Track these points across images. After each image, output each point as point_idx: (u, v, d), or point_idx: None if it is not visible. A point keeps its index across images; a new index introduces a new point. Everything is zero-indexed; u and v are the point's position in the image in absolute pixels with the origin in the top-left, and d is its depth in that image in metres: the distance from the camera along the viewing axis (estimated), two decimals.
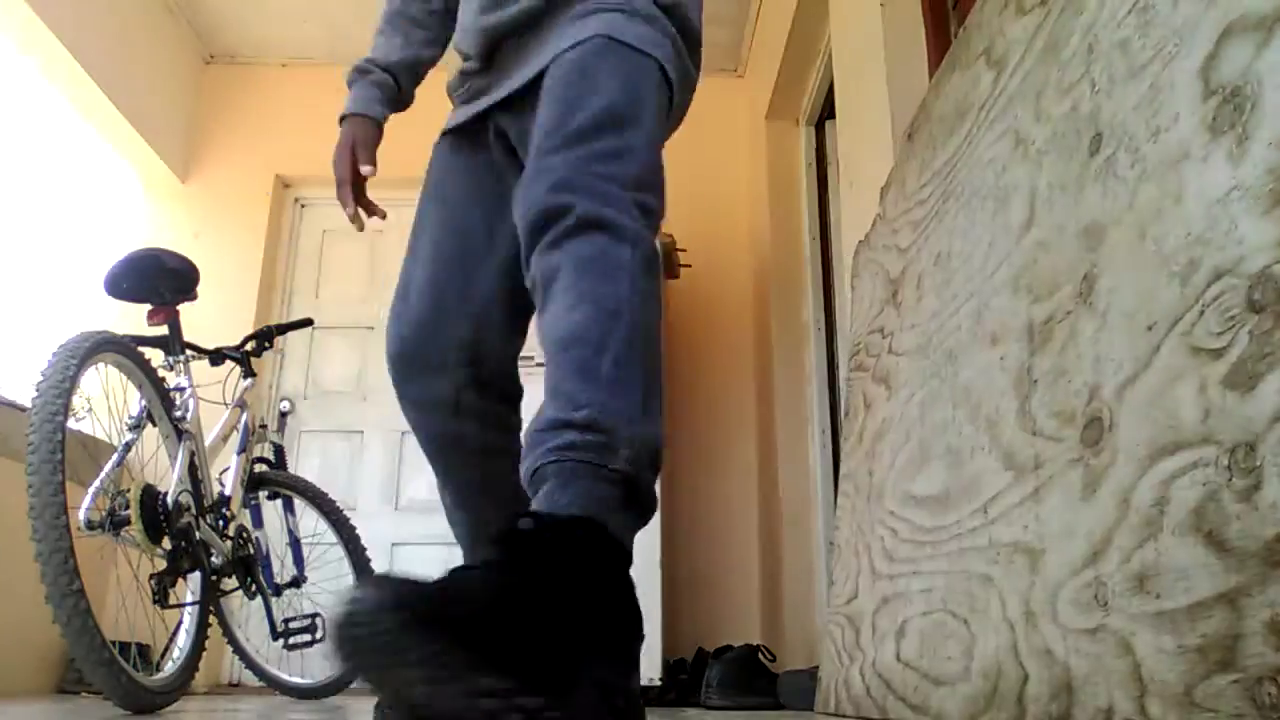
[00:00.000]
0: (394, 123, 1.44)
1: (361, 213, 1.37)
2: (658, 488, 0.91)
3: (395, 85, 1.38)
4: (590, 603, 0.74)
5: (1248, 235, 0.77)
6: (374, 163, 1.32)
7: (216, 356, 2.41)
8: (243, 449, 2.43)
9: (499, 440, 1.21)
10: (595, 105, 1.03)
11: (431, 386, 1.20)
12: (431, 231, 1.26)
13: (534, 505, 0.82)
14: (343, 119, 1.36)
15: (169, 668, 1.93)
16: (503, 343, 1.23)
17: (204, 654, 2.08)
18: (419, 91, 1.46)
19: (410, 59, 1.39)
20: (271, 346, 2.60)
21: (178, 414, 2.09)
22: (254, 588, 2.34)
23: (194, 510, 2.02)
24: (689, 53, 1.23)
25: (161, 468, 2.08)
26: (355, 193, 1.35)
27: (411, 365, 1.21)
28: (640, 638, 0.82)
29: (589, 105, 1.03)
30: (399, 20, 1.40)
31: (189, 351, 2.23)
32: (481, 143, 1.27)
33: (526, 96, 1.15)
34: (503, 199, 1.22)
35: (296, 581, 2.55)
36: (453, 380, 1.19)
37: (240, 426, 2.44)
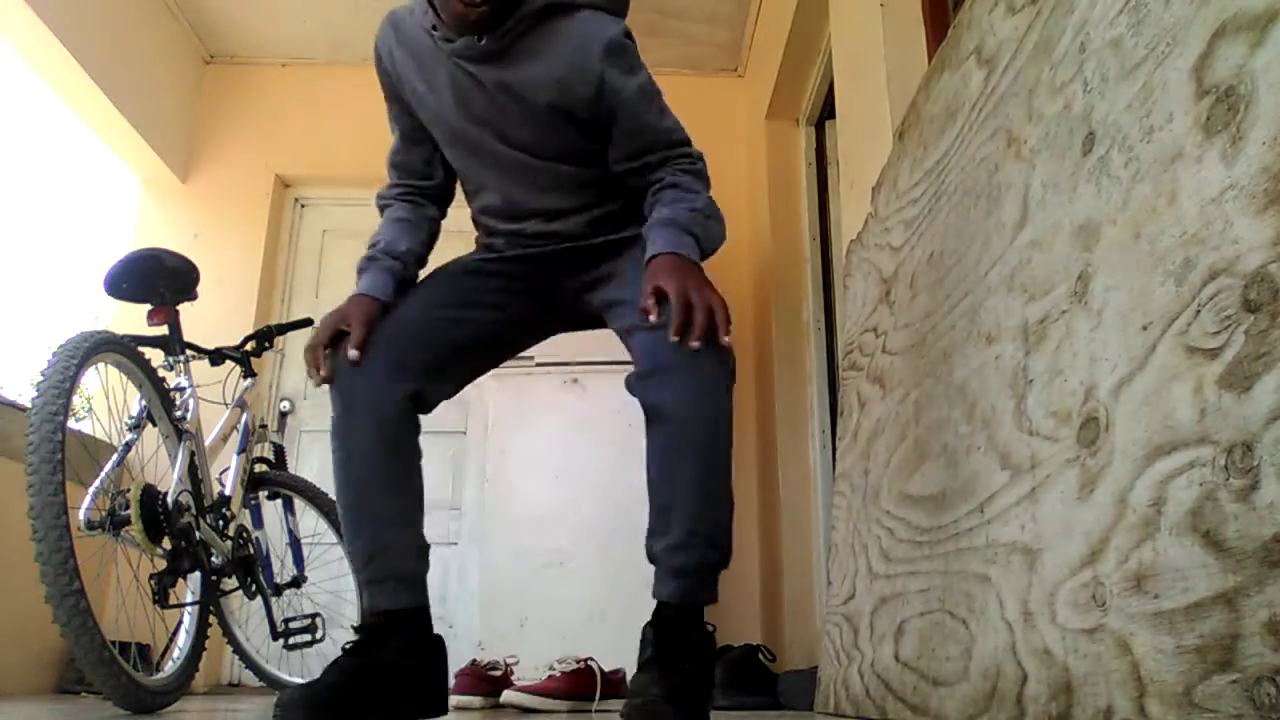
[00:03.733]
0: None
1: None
2: None
3: (404, 268, 1.51)
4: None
5: (1243, 235, 0.77)
6: (362, 348, 1.36)
7: (216, 356, 2.41)
8: (243, 449, 2.43)
9: None
10: None
11: None
12: None
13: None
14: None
15: (169, 668, 1.93)
16: None
17: (204, 654, 2.08)
18: None
19: (417, 249, 1.56)
20: (271, 346, 2.60)
21: (178, 414, 2.09)
22: (254, 588, 2.34)
23: (194, 510, 2.02)
24: None
25: (161, 468, 2.08)
26: (319, 361, 1.38)
27: None
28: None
29: None
30: (400, 225, 1.56)
31: (189, 351, 2.23)
32: None
33: None
34: None
35: (296, 581, 2.55)
36: None
37: (240, 426, 2.44)
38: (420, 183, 1.60)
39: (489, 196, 1.53)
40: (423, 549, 1.41)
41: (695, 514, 1.28)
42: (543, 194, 1.49)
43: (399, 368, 1.37)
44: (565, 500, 3.03)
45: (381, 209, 1.61)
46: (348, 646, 1.33)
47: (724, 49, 4.10)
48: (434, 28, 1.41)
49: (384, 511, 1.37)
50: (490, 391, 3.19)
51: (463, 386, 1.51)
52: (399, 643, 1.35)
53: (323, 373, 1.37)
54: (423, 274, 1.57)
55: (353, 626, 2.15)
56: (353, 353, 1.34)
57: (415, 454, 1.41)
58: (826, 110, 3.41)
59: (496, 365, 1.58)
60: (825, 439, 3.24)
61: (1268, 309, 0.73)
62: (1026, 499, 1.10)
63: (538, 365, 3.14)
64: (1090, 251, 1.02)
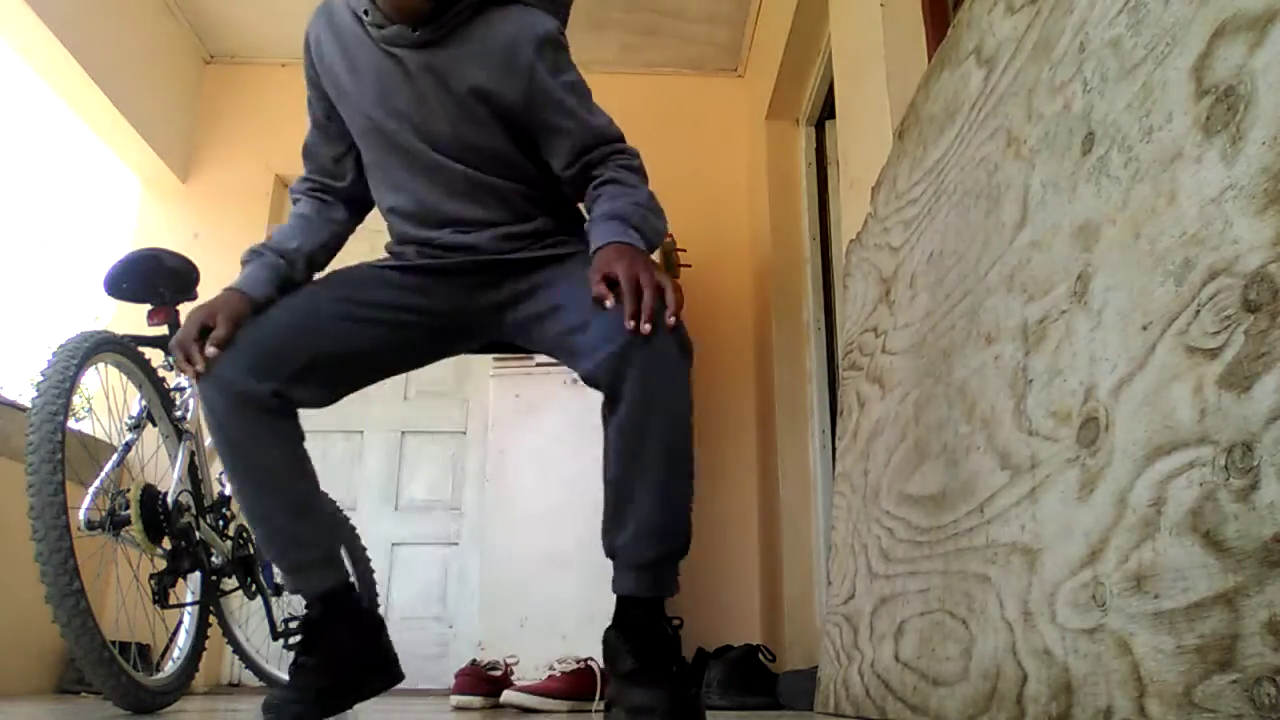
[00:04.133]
0: None
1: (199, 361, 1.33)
2: None
3: (289, 267, 1.48)
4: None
5: (1242, 235, 0.77)
6: (221, 345, 1.32)
7: None
8: None
9: None
10: None
11: None
12: None
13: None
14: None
15: (169, 668, 1.93)
16: None
17: (204, 654, 2.08)
18: None
19: (310, 250, 1.52)
20: None
21: (178, 414, 2.09)
22: (254, 587, 2.34)
23: (194, 510, 2.02)
24: None
25: (161, 468, 2.08)
26: (191, 354, 1.32)
27: None
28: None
29: None
30: (301, 222, 1.54)
31: None
32: None
33: None
34: None
35: None
36: None
37: None
38: (328, 180, 1.57)
39: (399, 198, 1.49)
40: (329, 527, 1.42)
41: (657, 505, 1.24)
42: (455, 200, 1.45)
43: (256, 370, 1.33)
44: (565, 500, 3.03)
45: (294, 202, 1.59)
46: (298, 645, 1.36)
47: (724, 49, 4.10)
48: (365, 13, 1.40)
49: (279, 502, 1.36)
50: (490, 391, 3.19)
51: (340, 396, 1.45)
52: (343, 626, 1.39)
53: (198, 368, 1.32)
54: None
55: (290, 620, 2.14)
56: (211, 350, 1.31)
57: (296, 439, 1.39)
58: (826, 110, 3.41)
59: (380, 380, 1.52)
60: (825, 439, 3.24)
61: (1268, 309, 0.73)
62: (1026, 499, 1.10)
63: (538, 365, 3.13)
64: (1090, 251, 1.02)
